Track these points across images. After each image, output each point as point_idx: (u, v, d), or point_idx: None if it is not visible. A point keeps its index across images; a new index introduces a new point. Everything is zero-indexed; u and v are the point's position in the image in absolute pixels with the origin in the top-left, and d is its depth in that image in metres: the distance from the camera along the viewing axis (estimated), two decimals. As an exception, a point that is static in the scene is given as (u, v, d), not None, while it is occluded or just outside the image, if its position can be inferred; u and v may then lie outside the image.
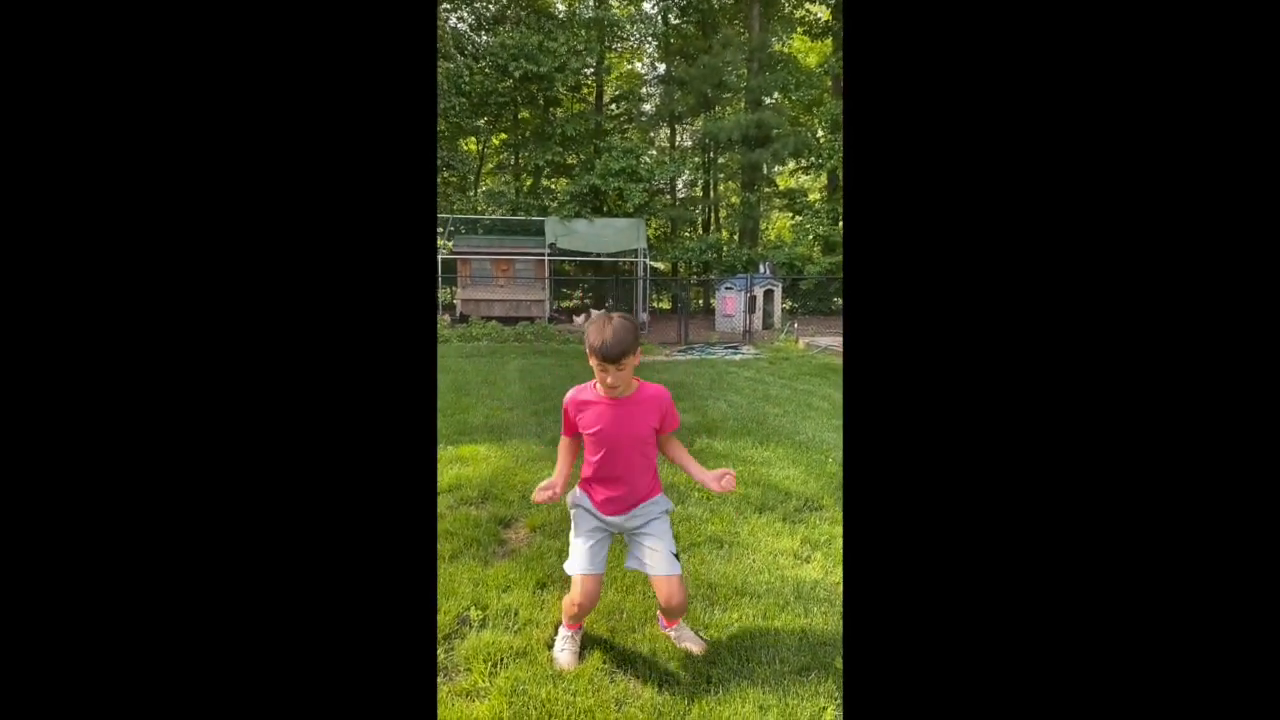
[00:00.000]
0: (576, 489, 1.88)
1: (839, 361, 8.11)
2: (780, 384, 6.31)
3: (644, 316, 12.03)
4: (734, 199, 16.70)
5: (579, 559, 1.80)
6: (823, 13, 17.58)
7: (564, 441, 1.87)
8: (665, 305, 16.79)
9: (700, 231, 17.79)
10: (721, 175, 17.23)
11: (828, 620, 2.01)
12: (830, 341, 9.75)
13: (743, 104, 16.11)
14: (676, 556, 1.82)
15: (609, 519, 1.82)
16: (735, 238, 16.63)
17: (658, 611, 1.95)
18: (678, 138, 19.22)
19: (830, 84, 16.83)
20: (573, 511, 1.87)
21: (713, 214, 18.01)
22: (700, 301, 16.12)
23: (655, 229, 17.18)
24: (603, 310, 11.22)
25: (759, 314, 11.41)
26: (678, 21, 17.71)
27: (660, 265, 16.79)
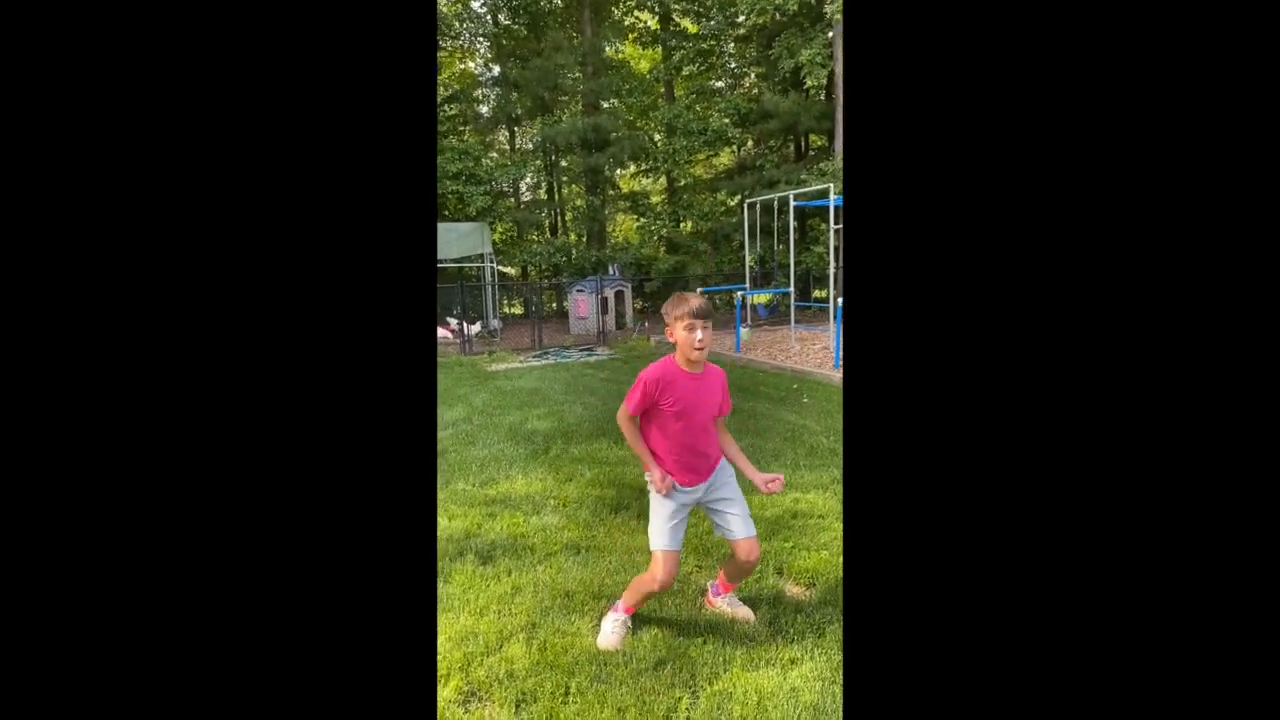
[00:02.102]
0: (654, 472, 1.91)
1: (688, 356, 8.44)
2: (634, 382, 6.44)
3: (495, 323, 11.69)
4: (579, 202, 16.78)
5: (663, 535, 1.87)
6: (652, 22, 18.22)
7: (632, 423, 1.92)
8: (518, 310, 16.47)
9: (548, 234, 17.67)
10: (565, 178, 17.25)
11: (680, 611, 2.08)
12: (679, 337, 10.13)
13: (579, 107, 16.24)
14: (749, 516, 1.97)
15: (690, 490, 1.89)
16: (583, 240, 16.74)
17: (711, 583, 2.14)
18: (518, 140, 18.93)
19: (663, 90, 17.50)
20: (654, 494, 1.91)
21: (559, 217, 17.98)
22: (554, 305, 16.03)
23: (501, 233, 16.76)
24: (452, 318, 10.77)
25: (611, 315, 11.59)
26: (508, 22, 17.43)
27: (509, 270, 16.43)
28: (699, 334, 1.80)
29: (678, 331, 1.84)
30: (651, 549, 1.91)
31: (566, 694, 1.69)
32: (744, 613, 2.05)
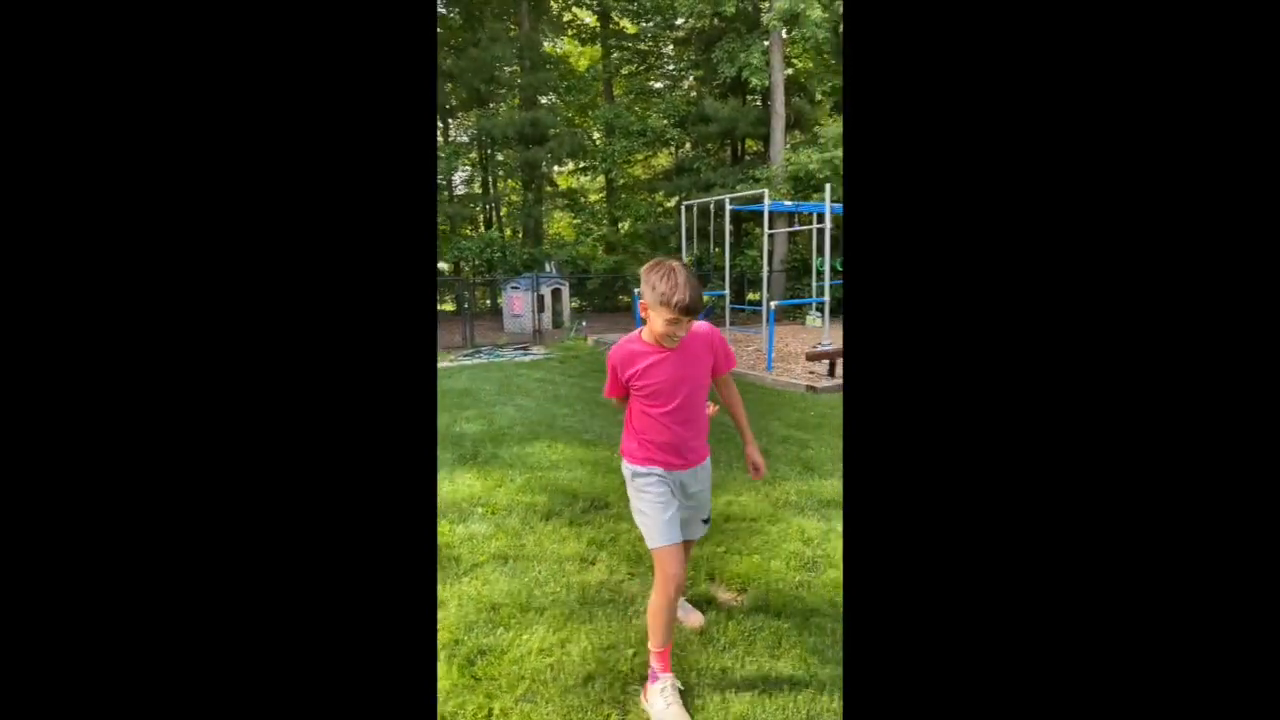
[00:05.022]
0: (632, 463, 1.69)
1: (624, 356, 8.40)
2: (570, 383, 6.34)
3: (426, 320, 11.30)
4: (514, 197, 16.46)
5: (660, 530, 1.61)
6: (590, 19, 18.08)
7: (621, 404, 1.74)
8: (449, 306, 15.99)
9: (482, 229, 17.25)
10: (500, 173, 16.88)
11: (611, 623, 2.03)
12: (617, 337, 10.11)
13: (517, 101, 15.93)
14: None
15: (680, 475, 1.69)
16: (519, 236, 16.43)
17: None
18: (452, 133, 18.37)
19: (601, 88, 17.41)
20: (638, 482, 1.67)
21: (494, 212, 17.57)
22: (487, 302, 15.65)
23: (433, 227, 16.26)
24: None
25: (548, 313, 11.41)
26: (443, 11, 16.90)
27: (441, 265, 15.94)
28: (681, 330, 1.53)
29: (655, 316, 1.53)
30: (652, 549, 1.63)
31: (489, 716, 1.60)
32: (695, 619, 1.99)
